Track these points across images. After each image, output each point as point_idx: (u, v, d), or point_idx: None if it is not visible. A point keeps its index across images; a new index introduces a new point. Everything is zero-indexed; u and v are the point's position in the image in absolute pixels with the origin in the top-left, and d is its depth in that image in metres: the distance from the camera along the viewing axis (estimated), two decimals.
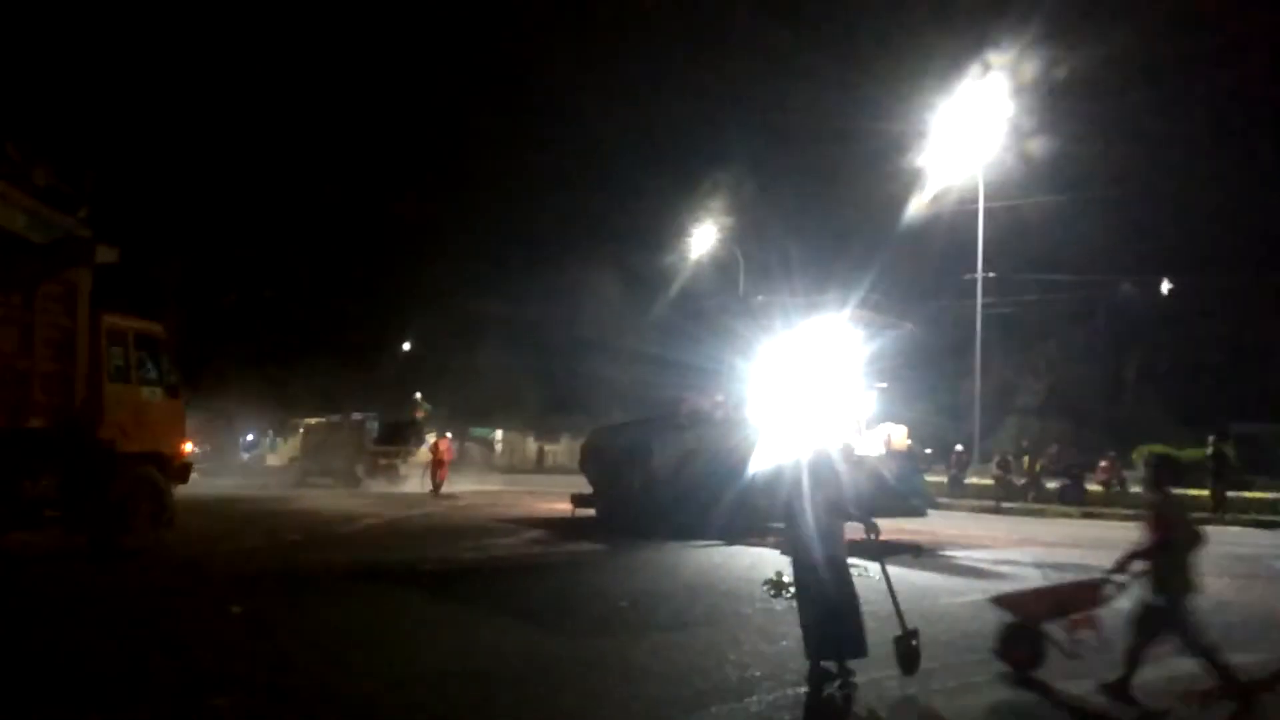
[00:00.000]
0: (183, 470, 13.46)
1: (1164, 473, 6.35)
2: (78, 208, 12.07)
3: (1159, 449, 29.82)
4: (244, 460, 44.47)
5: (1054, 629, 6.69)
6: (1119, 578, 6.28)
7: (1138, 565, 6.12)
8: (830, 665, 6.26)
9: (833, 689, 6.19)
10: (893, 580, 6.80)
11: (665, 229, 40.86)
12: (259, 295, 44.88)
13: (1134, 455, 30.18)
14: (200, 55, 50.74)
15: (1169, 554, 5.98)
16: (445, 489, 26.82)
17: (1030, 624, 6.80)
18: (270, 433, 45.90)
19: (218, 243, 41.27)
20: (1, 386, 10.90)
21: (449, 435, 31.41)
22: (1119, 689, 6.01)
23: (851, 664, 6.29)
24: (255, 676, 6.35)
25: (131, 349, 12.65)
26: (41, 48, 35.67)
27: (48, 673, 6.38)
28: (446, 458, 28.01)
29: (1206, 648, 5.90)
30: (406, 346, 52.80)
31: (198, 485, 16.74)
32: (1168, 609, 5.96)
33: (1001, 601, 7.07)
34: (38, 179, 11.47)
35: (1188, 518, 6.25)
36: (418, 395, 35.78)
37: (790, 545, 6.70)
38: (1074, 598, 6.80)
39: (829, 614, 6.23)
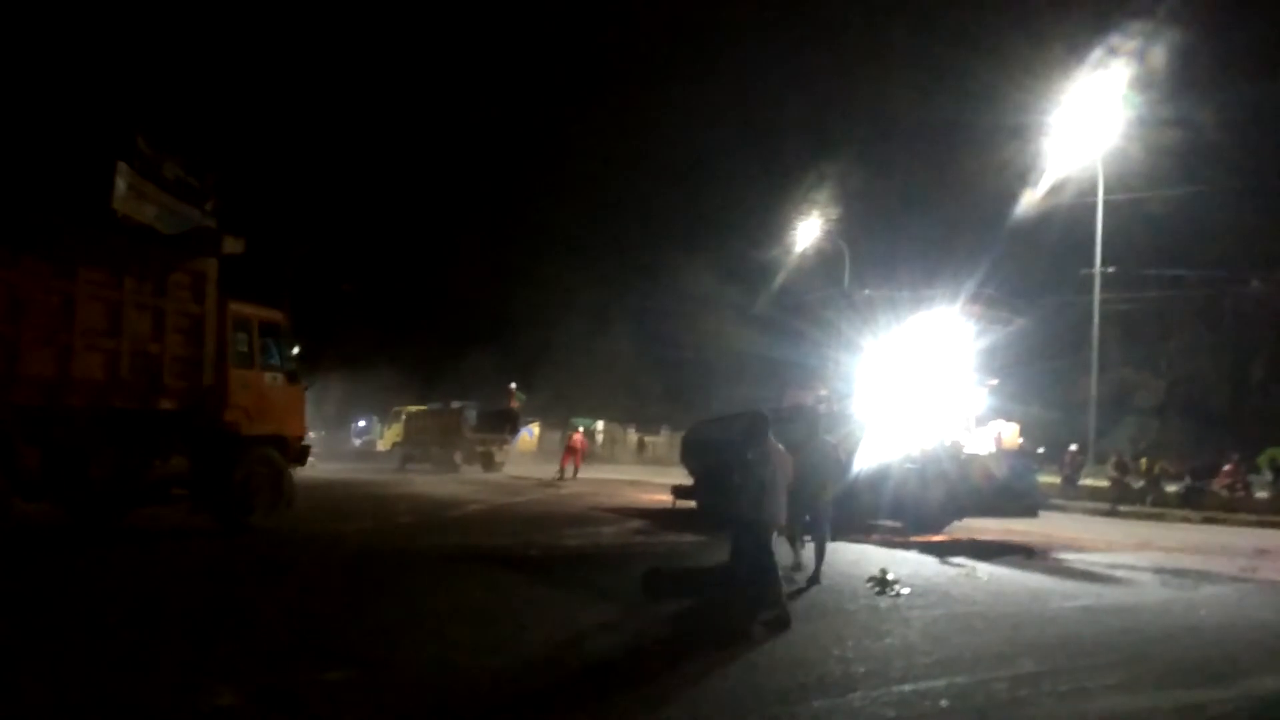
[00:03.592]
0: (301, 453, 13.99)
1: (758, 429, 8.59)
2: (204, 200, 12.60)
3: None
4: (355, 445, 45.88)
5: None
6: None
7: None
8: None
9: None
10: (1004, 581, 6.76)
11: (769, 222, 40.58)
12: (365, 286, 46.35)
13: (1260, 459, 28.70)
14: (326, 55, 52.48)
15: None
16: (547, 477, 27.53)
17: None
18: (375, 419, 47.23)
19: (340, 235, 42.70)
20: (134, 370, 11.41)
21: (581, 429, 33.38)
22: (813, 578, 9.77)
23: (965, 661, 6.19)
24: (371, 651, 6.56)
25: (255, 335, 13.16)
26: (173, 49, 37.32)
27: (171, 639, 6.70)
28: (580, 449, 29.40)
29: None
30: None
31: (312, 468, 17.36)
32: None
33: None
34: (167, 173, 12.01)
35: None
36: (513, 385, 36.35)
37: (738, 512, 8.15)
38: None
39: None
